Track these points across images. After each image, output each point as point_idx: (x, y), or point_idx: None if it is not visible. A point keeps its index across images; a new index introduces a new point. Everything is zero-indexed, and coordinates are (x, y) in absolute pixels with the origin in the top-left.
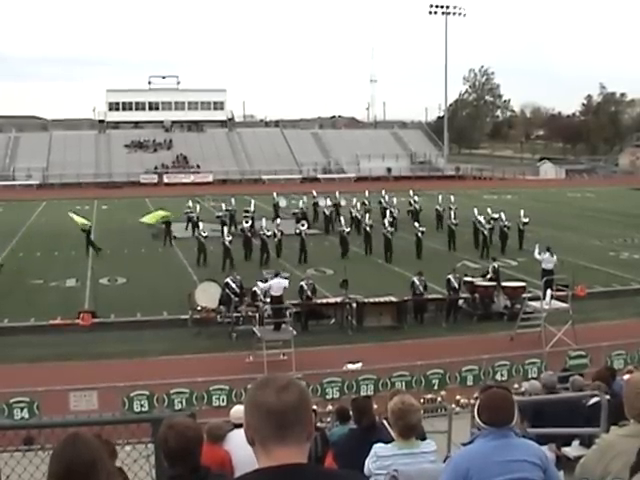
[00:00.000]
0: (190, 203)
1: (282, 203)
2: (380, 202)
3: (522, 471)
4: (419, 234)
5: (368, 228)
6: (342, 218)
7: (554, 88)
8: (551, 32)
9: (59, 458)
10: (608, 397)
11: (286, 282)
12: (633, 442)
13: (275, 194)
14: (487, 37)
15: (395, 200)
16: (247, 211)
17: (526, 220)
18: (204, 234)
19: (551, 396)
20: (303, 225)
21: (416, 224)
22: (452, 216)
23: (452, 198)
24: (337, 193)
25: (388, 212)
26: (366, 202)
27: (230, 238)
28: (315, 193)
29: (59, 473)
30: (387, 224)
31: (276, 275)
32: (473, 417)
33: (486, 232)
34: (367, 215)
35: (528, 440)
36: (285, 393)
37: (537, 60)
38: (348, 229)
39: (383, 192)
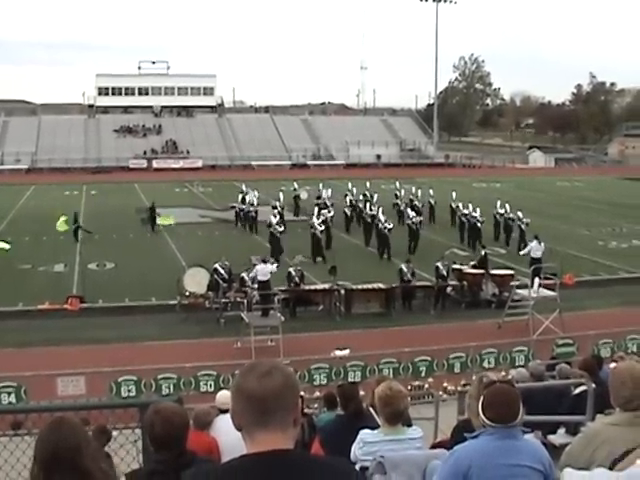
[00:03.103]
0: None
1: (303, 195)
2: (365, 195)
3: (524, 477)
4: (417, 225)
5: (369, 219)
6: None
7: (544, 77)
8: (542, 21)
9: (45, 443)
10: (594, 385)
11: (273, 267)
12: (619, 430)
13: (295, 185)
14: (478, 25)
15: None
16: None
17: (528, 220)
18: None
19: (538, 384)
20: (330, 212)
21: (412, 213)
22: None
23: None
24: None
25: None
26: (367, 193)
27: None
28: (296, 185)
29: (45, 457)
30: (382, 218)
31: (263, 261)
32: (477, 415)
33: (479, 224)
34: (368, 205)
35: (535, 442)
36: (267, 379)
37: (527, 49)
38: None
39: (368, 184)
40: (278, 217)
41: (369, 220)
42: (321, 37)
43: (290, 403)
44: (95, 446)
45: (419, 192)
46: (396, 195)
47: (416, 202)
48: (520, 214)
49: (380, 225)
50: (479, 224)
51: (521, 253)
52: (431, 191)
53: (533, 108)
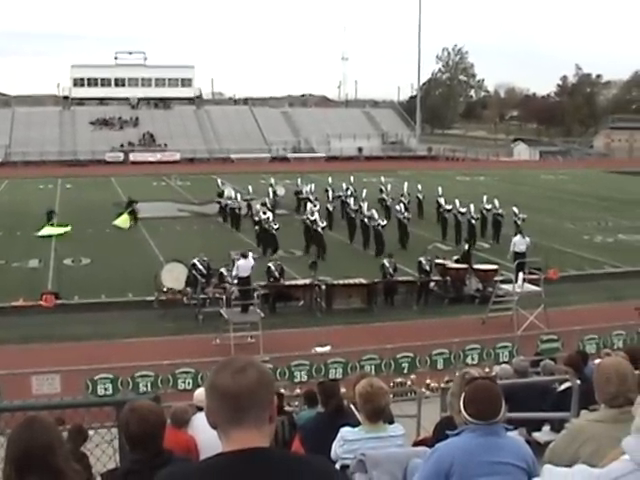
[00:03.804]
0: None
1: (280, 191)
2: (348, 189)
3: (507, 474)
4: (405, 220)
5: (353, 214)
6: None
7: (529, 68)
8: (527, 11)
9: (16, 442)
10: (579, 382)
11: (253, 262)
12: (604, 427)
13: (273, 181)
14: (462, 15)
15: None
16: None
17: (524, 216)
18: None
19: (522, 380)
20: (315, 206)
21: (402, 208)
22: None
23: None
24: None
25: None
26: (351, 188)
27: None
28: (273, 181)
29: (17, 456)
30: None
31: (243, 255)
32: (459, 411)
33: (473, 221)
34: (352, 200)
35: (518, 439)
36: (241, 375)
37: (512, 40)
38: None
39: (352, 178)
40: (269, 213)
41: (353, 215)
42: (301, 27)
43: (265, 400)
44: (68, 445)
45: (405, 186)
46: (381, 190)
47: (402, 198)
48: (516, 209)
49: (373, 222)
50: (473, 221)
51: (508, 257)
52: (419, 186)
53: (517, 100)
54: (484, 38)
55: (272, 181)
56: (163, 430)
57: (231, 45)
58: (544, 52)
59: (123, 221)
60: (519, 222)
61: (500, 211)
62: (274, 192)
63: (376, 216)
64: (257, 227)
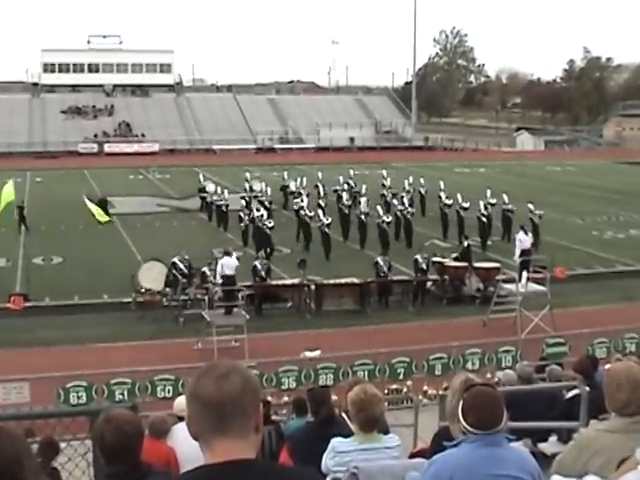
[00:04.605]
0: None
1: (257, 186)
2: (348, 183)
3: None
4: (409, 216)
5: (346, 210)
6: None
7: (533, 52)
8: None
9: None
10: (588, 389)
11: (237, 261)
12: (615, 438)
13: (248, 175)
14: None
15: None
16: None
17: (541, 212)
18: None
19: (527, 387)
20: (303, 201)
21: (396, 203)
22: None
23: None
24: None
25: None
26: (351, 182)
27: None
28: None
29: None
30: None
31: (226, 253)
32: (457, 420)
33: (484, 218)
34: (344, 195)
35: (522, 450)
36: (225, 382)
37: (514, 21)
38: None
39: (351, 172)
40: (264, 210)
41: (347, 211)
42: (289, 9)
43: (250, 408)
44: (38, 459)
45: (407, 181)
46: (383, 184)
47: (404, 192)
48: (531, 206)
49: (377, 219)
50: (484, 218)
51: (515, 258)
52: (422, 180)
53: (521, 86)
54: (484, 20)
55: (247, 175)
56: (141, 441)
57: (213, 28)
58: (549, 34)
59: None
60: (536, 219)
61: (510, 206)
62: (250, 187)
63: (381, 212)
64: (244, 225)
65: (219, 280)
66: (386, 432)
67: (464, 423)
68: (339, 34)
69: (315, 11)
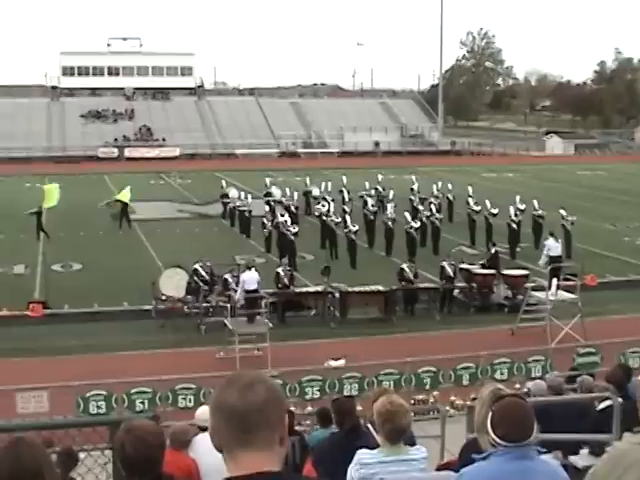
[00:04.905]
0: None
1: (276, 192)
2: (377, 189)
3: None
4: (436, 222)
5: (371, 216)
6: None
7: (563, 53)
8: None
9: (0, 466)
10: (621, 400)
11: (258, 276)
12: None
13: (267, 181)
14: None
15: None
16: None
17: (573, 219)
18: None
19: (557, 398)
20: (324, 206)
21: (427, 209)
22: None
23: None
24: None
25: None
26: (379, 187)
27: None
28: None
29: None
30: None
31: (248, 267)
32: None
33: (514, 225)
34: (369, 201)
35: (553, 463)
36: (249, 392)
37: (543, 22)
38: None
39: (380, 177)
40: (288, 216)
41: (372, 217)
42: (312, 11)
43: (275, 419)
44: (58, 470)
45: (435, 187)
46: (411, 189)
47: (432, 198)
48: (563, 212)
49: (405, 226)
50: (514, 225)
51: (540, 263)
52: (450, 185)
53: (550, 88)
54: (513, 21)
55: (267, 181)
56: (163, 453)
57: (235, 30)
58: (579, 35)
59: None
60: (568, 226)
61: (540, 212)
62: (268, 193)
63: (409, 218)
64: (267, 231)
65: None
66: (412, 444)
67: (493, 435)
68: (364, 36)
69: (339, 13)
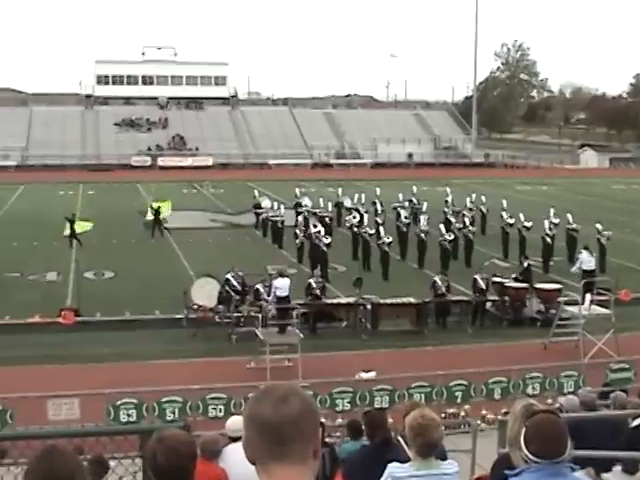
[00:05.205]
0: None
1: (306, 202)
2: (411, 200)
3: None
4: (469, 235)
5: (404, 228)
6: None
7: (598, 66)
8: (595, 3)
9: (34, 474)
10: None
11: (289, 281)
12: None
13: (298, 191)
14: (523, 8)
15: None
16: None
17: (609, 233)
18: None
19: (590, 414)
20: (355, 217)
21: (460, 221)
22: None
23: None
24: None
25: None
26: (414, 199)
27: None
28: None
29: None
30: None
31: (280, 275)
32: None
33: (548, 239)
34: (402, 213)
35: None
36: (283, 405)
37: (579, 34)
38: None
39: (414, 189)
40: (320, 226)
41: (405, 229)
42: (346, 21)
43: (309, 432)
44: (89, 478)
45: (468, 199)
46: (446, 201)
47: (465, 211)
48: (599, 226)
49: (439, 238)
50: (548, 239)
51: (572, 269)
52: (483, 198)
53: (585, 101)
54: (548, 33)
55: (297, 191)
56: (194, 463)
57: (269, 40)
58: (615, 47)
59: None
60: (603, 240)
61: (574, 226)
62: (299, 204)
63: (443, 230)
64: (299, 241)
65: (274, 302)
66: (444, 458)
67: (526, 451)
68: (398, 47)
69: (373, 24)
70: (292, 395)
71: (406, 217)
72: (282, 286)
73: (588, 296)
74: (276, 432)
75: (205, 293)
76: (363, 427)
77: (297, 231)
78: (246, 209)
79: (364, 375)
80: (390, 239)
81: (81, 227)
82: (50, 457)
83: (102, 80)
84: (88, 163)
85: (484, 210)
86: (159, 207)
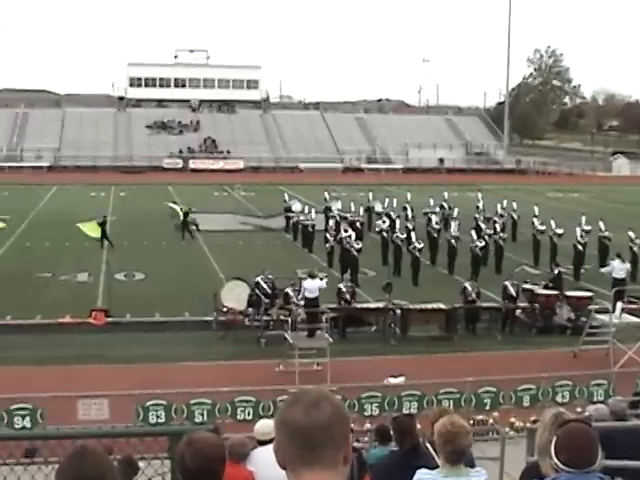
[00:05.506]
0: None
1: (336, 205)
2: (442, 206)
3: None
4: (501, 241)
5: (435, 233)
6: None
7: (631, 72)
8: (628, 8)
9: (65, 474)
10: None
11: (322, 282)
12: None
13: (327, 195)
14: (556, 14)
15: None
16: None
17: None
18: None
19: (620, 424)
20: (385, 222)
21: (491, 228)
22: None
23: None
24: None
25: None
26: (445, 205)
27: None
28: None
29: None
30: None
31: (310, 276)
32: (549, 457)
33: (580, 246)
34: (433, 218)
35: None
36: (314, 410)
37: (612, 41)
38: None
39: (445, 194)
40: (351, 231)
41: (435, 235)
42: (378, 26)
43: (340, 437)
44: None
45: (499, 205)
46: (477, 207)
47: (496, 217)
48: (632, 234)
49: (471, 244)
50: (580, 246)
51: (602, 270)
52: (514, 204)
53: (618, 108)
54: (581, 39)
55: (326, 195)
56: (223, 466)
57: (301, 44)
58: None
59: (91, 229)
60: (636, 249)
61: (606, 234)
62: (328, 208)
63: (474, 236)
64: (329, 245)
65: (302, 302)
66: (472, 465)
67: (556, 460)
68: (430, 52)
69: (406, 29)
70: (323, 400)
71: (437, 223)
72: (311, 287)
73: (619, 304)
74: (307, 437)
75: (235, 296)
76: (391, 433)
77: (327, 235)
78: (277, 212)
79: (392, 380)
80: (422, 244)
81: (93, 229)
82: (81, 457)
83: (135, 82)
84: (120, 165)
85: (515, 217)
86: (189, 209)
